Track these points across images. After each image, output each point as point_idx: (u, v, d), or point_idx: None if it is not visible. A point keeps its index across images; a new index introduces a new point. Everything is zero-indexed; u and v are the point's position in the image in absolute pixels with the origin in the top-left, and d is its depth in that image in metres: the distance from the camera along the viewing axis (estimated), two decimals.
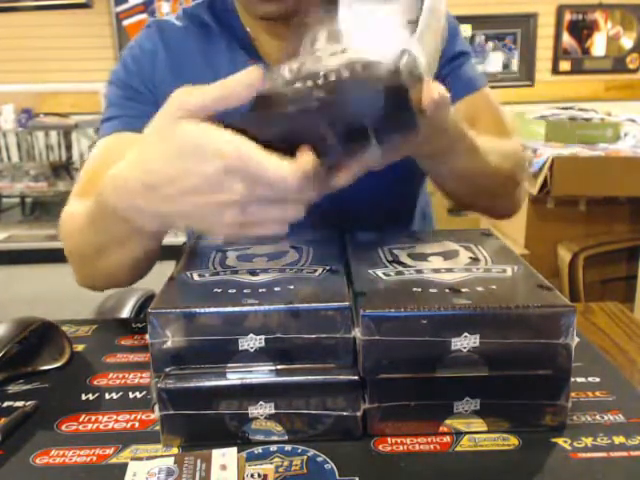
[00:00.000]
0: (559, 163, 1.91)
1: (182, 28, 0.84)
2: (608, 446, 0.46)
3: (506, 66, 3.38)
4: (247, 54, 0.81)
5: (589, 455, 0.45)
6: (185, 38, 0.83)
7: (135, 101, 0.80)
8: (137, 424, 0.51)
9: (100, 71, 3.40)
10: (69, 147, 3.53)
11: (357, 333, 0.46)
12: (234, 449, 0.45)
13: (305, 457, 0.46)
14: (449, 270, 0.53)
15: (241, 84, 0.43)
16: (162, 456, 0.44)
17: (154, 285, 0.92)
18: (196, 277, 0.53)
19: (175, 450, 0.47)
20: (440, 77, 0.75)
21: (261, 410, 0.47)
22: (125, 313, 0.98)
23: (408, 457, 0.46)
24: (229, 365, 0.47)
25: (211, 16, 0.84)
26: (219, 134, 0.43)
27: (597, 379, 0.56)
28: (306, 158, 0.43)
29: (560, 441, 0.47)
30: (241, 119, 0.43)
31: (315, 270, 0.53)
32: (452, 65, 0.82)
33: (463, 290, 0.48)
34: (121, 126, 0.78)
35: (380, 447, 0.47)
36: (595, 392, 0.54)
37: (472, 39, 3.31)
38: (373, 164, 0.48)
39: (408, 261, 0.55)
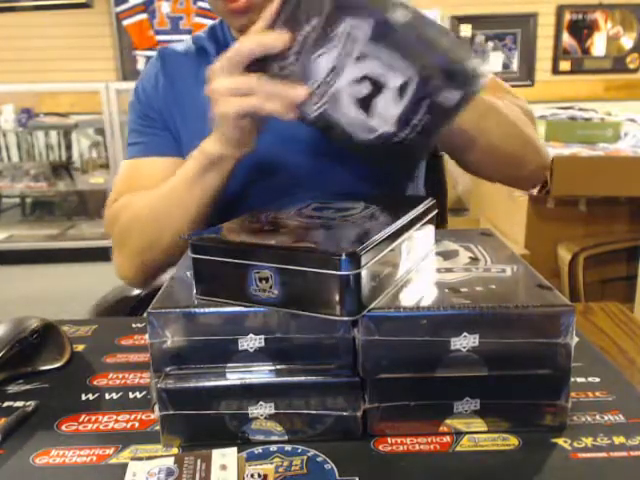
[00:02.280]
0: (559, 163, 1.91)
1: (181, 54, 0.90)
2: (608, 446, 0.46)
3: (506, 66, 3.38)
4: None
5: (589, 455, 0.45)
6: (182, 63, 0.89)
7: (151, 128, 0.89)
8: (137, 424, 0.51)
9: (100, 71, 3.41)
10: (69, 147, 3.53)
11: (357, 333, 0.46)
12: (234, 449, 0.45)
13: (305, 457, 0.46)
14: (449, 270, 0.53)
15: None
16: (162, 456, 0.44)
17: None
18: None
19: (175, 450, 0.47)
20: None
21: (261, 410, 0.47)
22: (123, 308, 0.99)
23: (408, 457, 0.46)
24: (229, 365, 0.47)
25: (211, 41, 0.89)
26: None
27: (597, 379, 0.56)
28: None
29: (560, 441, 0.47)
30: None
31: None
32: None
33: (463, 290, 0.48)
34: (140, 153, 0.89)
35: (380, 447, 0.47)
36: (595, 392, 0.54)
37: (472, 39, 3.31)
38: None
39: None
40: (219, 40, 0.89)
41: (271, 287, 0.45)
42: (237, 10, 0.73)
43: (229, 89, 0.59)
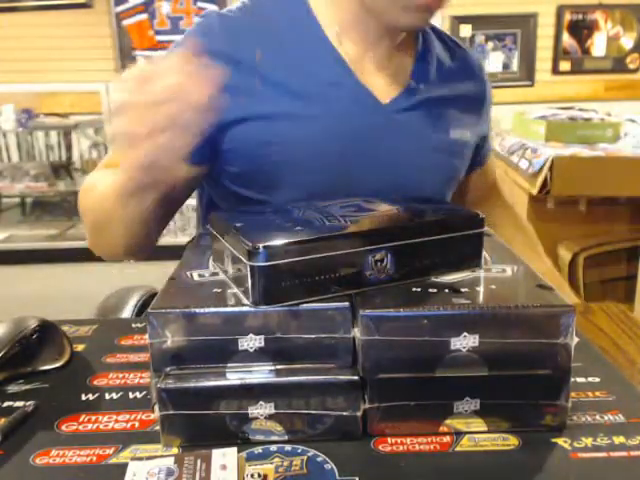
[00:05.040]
0: (559, 163, 1.90)
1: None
2: (608, 446, 0.46)
3: (506, 66, 3.38)
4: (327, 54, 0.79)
5: (589, 455, 0.45)
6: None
7: None
8: (137, 424, 0.51)
9: (100, 71, 3.40)
10: (69, 147, 3.53)
11: (357, 333, 0.46)
12: (234, 449, 0.45)
13: (305, 457, 0.46)
14: None
15: None
16: (162, 456, 0.44)
17: (156, 284, 0.92)
18: (196, 277, 0.53)
19: (175, 450, 0.47)
20: (484, 139, 0.94)
21: (261, 410, 0.47)
22: (127, 311, 0.98)
23: (408, 457, 0.46)
24: (229, 365, 0.47)
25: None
26: None
27: (597, 379, 0.56)
28: None
29: (560, 441, 0.47)
30: None
31: None
32: (479, 145, 0.93)
33: (463, 290, 0.48)
34: None
35: (380, 447, 0.47)
36: (595, 392, 0.54)
37: (472, 39, 3.31)
38: None
39: None
40: (295, 20, 0.79)
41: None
42: (430, 6, 0.72)
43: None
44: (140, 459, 0.45)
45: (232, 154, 0.80)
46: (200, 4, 3.41)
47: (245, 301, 0.47)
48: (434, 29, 0.90)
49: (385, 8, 0.74)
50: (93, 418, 0.52)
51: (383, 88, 0.81)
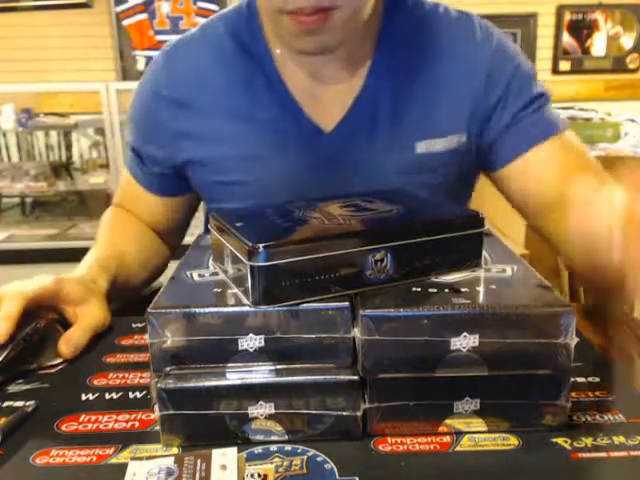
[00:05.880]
0: None
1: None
2: (608, 446, 0.46)
3: None
4: (268, 81, 0.76)
5: (589, 455, 0.45)
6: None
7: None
8: (137, 424, 0.51)
9: (100, 71, 3.40)
10: (69, 147, 3.53)
11: (357, 333, 0.46)
12: (234, 449, 0.45)
13: (305, 457, 0.46)
14: None
15: None
16: (162, 456, 0.44)
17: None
18: (196, 277, 0.53)
19: (175, 450, 0.47)
20: (511, 124, 0.77)
21: (261, 410, 0.47)
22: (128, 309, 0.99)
23: (408, 457, 0.46)
24: (229, 365, 0.47)
25: (233, 41, 0.78)
26: None
27: (597, 379, 0.56)
28: None
29: (560, 441, 0.47)
30: None
31: None
32: (527, 110, 0.78)
33: (463, 290, 0.48)
34: (134, 177, 0.93)
35: (380, 447, 0.47)
36: (595, 392, 0.54)
37: None
38: None
39: None
40: (245, 45, 0.77)
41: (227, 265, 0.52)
42: (309, 30, 0.64)
43: None
44: (140, 459, 0.45)
45: (198, 190, 0.84)
46: (200, 4, 3.41)
47: (245, 301, 0.47)
48: (421, 9, 0.78)
49: (279, 34, 0.71)
50: (93, 418, 0.52)
51: (330, 113, 0.75)
